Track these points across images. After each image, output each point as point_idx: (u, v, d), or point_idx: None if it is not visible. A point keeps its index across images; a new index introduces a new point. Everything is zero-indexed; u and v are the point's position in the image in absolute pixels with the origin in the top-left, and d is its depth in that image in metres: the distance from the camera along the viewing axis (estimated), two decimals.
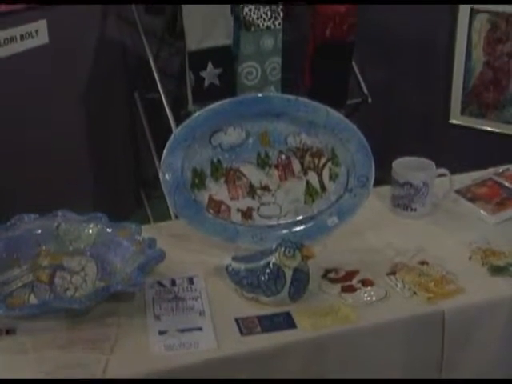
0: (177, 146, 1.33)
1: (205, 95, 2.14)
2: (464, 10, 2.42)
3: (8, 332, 1.12)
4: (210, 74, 2.16)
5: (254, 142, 1.37)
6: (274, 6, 2.15)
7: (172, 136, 1.33)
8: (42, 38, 2.10)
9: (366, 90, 2.49)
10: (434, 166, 1.44)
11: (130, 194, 2.69)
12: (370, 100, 2.49)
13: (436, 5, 2.46)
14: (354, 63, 2.45)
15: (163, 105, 2.23)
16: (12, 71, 2.03)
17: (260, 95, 1.43)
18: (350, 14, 2.25)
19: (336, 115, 1.38)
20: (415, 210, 1.43)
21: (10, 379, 1.03)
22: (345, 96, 2.40)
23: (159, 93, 2.24)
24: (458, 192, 1.50)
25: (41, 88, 2.15)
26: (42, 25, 2.09)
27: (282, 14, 2.19)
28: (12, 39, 2.00)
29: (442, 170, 1.45)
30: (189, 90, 2.17)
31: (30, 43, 2.06)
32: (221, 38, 2.15)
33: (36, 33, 2.08)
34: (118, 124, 2.58)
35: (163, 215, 2.22)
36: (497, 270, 1.26)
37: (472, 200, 1.48)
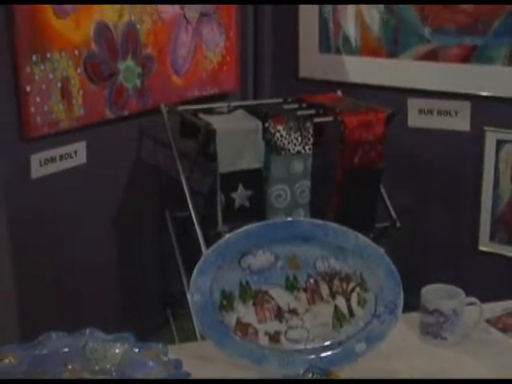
0: (207, 267, 1.34)
1: (235, 216, 2.17)
2: (490, 140, 2.47)
3: None
4: (241, 195, 2.20)
5: (282, 265, 1.38)
6: (304, 132, 2.22)
7: (202, 258, 1.35)
8: (80, 159, 2.18)
9: (394, 215, 2.51)
10: (463, 294, 1.43)
11: (157, 312, 2.69)
12: (398, 224, 2.50)
13: (463, 133, 2.53)
14: (382, 187, 2.49)
15: (193, 224, 2.26)
16: (48, 189, 2.10)
17: (289, 220, 1.46)
18: (379, 142, 2.31)
19: (365, 240, 1.39)
20: (445, 338, 1.41)
21: (10, 379, 1.00)
22: (373, 220, 2.42)
23: (190, 212, 2.28)
24: (488, 321, 1.47)
25: (75, 205, 2.21)
26: (81, 146, 2.18)
27: (311, 140, 2.25)
28: (52, 159, 2.08)
29: (472, 299, 1.43)
30: (219, 210, 2.20)
31: (68, 163, 2.14)
32: (252, 161, 2.20)
33: (75, 153, 2.16)
34: (148, 242, 2.62)
35: (189, 334, 2.21)
36: None
37: (503, 330, 1.45)
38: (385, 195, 2.51)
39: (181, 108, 2.38)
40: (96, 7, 2.12)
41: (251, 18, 2.86)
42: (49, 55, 1.99)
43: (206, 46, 2.58)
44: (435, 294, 1.43)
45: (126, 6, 2.22)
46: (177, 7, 2.43)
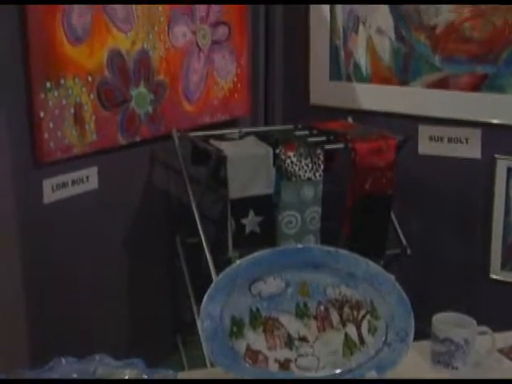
0: (217, 293, 1.34)
1: (245, 242, 2.17)
2: (501, 168, 2.47)
3: None
4: (251, 221, 2.20)
5: (293, 292, 1.38)
6: (315, 159, 2.23)
7: (213, 284, 1.35)
8: (92, 184, 2.19)
9: (404, 242, 2.50)
10: (474, 322, 1.42)
11: (166, 338, 2.68)
12: (409, 251, 2.49)
13: (473, 161, 2.53)
14: (392, 214, 2.48)
15: (203, 250, 2.26)
16: (60, 214, 2.11)
17: (300, 246, 1.46)
18: (389, 169, 2.31)
19: (375, 268, 1.39)
20: (457, 368, 1.39)
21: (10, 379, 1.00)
22: (384, 247, 2.42)
23: (200, 238, 2.28)
24: (500, 351, 1.46)
25: (87, 230, 2.22)
26: (92, 171, 2.19)
27: (322, 166, 2.26)
28: (64, 185, 2.09)
29: (484, 328, 1.42)
30: (229, 236, 2.20)
31: (80, 188, 2.15)
32: (263, 187, 2.21)
33: (87, 179, 2.17)
34: (158, 267, 2.62)
35: (198, 361, 2.19)
36: None
37: None
38: (395, 222, 2.51)
39: (192, 134, 2.40)
40: (109, 35, 2.15)
41: (262, 46, 2.88)
42: (62, 82, 2.01)
43: (217, 73, 2.60)
44: (446, 322, 1.42)
45: (140, 34, 2.25)
46: (189, 35, 2.45)
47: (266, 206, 2.23)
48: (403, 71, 2.61)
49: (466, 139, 2.53)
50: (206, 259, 2.23)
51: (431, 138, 2.60)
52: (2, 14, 1.87)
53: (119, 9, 2.17)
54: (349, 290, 1.38)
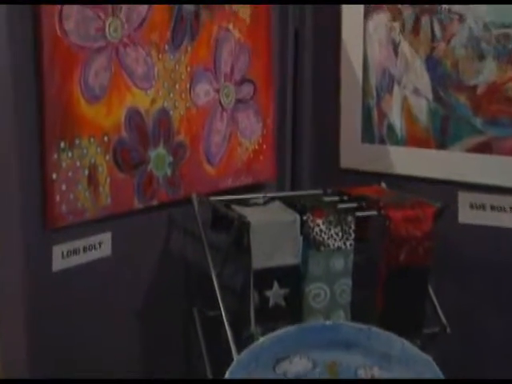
0: (238, 374, 1.32)
1: (269, 316, 2.14)
2: None
3: None
4: (276, 293, 2.18)
5: (321, 372, 1.36)
6: (345, 227, 2.22)
7: (234, 362, 1.33)
8: (105, 251, 2.20)
9: (444, 319, 2.46)
10: None
11: None
12: (448, 330, 2.44)
13: None
14: (430, 288, 2.45)
15: (223, 324, 2.24)
16: (70, 283, 2.11)
17: (329, 323, 1.44)
18: (427, 239, 2.29)
19: (411, 348, 1.37)
20: None
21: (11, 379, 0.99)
22: (421, 324, 2.37)
23: (220, 311, 2.26)
24: None
25: (98, 300, 2.22)
26: (106, 237, 2.20)
27: (353, 235, 2.25)
28: (75, 251, 2.10)
29: None
30: (252, 309, 2.18)
31: (92, 255, 2.16)
32: (289, 257, 2.20)
33: (99, 245, 2.18)
34: (174, 341, 2.60)
35: None
36: None
37: None
38: (433, 297, 2.47)
39: (213, 199, 2.41)
40: (128, 92, 2.19)
41: (290, 105, 2.91)
42: (77, 142, 2.04)
43: (241, 133, 2.63)
44: None
45: (160, 92, 2.29)
46: (212, 93, 2.49)
47: (292, 277, 2.21)
48: (441, 134, 2.61)
49: (510, 207, 2.52)
50: (226, 334, 2.21)
51: (472, 206, 2.58)
52: (18, 71, 1.91)
53: (139, 65, 2.21)
54: (382, 372, 1.35)
